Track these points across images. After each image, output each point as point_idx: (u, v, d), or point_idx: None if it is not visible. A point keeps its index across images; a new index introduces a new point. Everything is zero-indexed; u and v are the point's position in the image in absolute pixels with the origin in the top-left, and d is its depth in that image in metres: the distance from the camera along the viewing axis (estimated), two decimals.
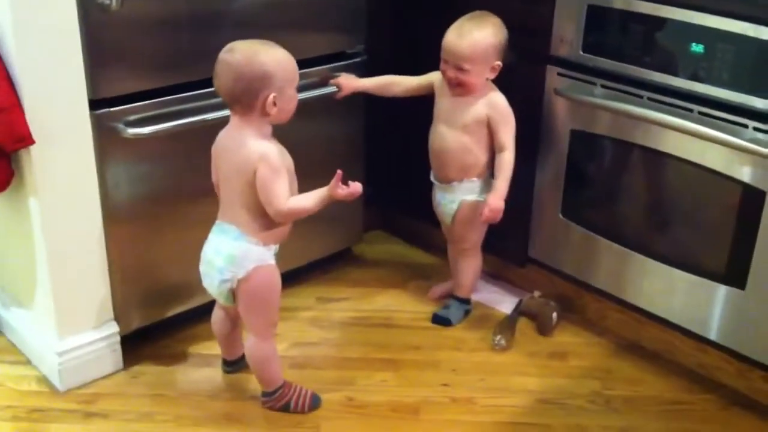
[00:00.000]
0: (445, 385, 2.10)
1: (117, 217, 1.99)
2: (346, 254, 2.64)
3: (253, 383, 2.03)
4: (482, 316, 2.38)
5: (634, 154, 2.10)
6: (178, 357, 2.17)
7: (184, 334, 2.23)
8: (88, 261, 1.98)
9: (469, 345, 2.26)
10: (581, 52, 2.10)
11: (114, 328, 2.07)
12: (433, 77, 2.21)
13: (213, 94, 1.87)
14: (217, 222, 1.87)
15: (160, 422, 1.95)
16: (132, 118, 1.92)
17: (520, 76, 2.19)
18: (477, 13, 2.11)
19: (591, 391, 2.09)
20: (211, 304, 2.01)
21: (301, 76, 1.83)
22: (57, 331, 1.99)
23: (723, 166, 1.92)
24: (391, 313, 2.39)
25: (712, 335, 2.05)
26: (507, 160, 2.12)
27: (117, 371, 2.10)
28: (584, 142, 2.18)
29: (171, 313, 2.18)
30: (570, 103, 2.15)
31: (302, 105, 1.86)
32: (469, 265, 2.33)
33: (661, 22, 1.95)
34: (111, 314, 2.07)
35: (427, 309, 2.39)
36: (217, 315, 2.02)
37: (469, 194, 2.20)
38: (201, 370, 2.13)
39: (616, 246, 2.18)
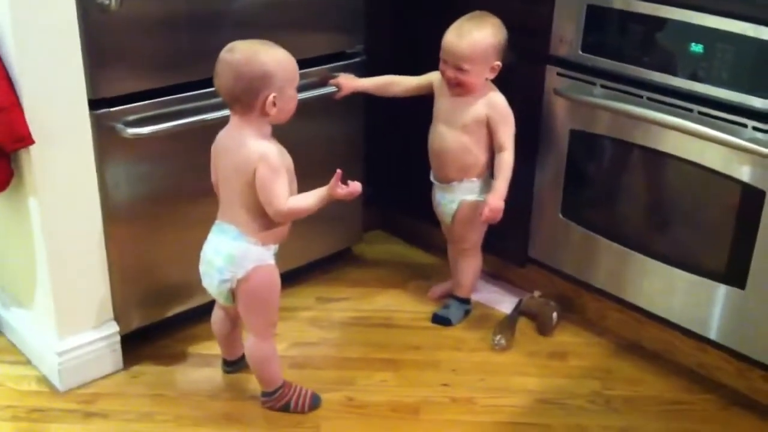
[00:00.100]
0: (445, 385, 2.10)
1: (117, 217, 1.99)
2: (346, 254, 2.64)
3: (253, 383, 2.03)
4: (482, 316, 2.38)
5: (633, 153, 2.10)
6: (178, 357, 2.17)
7: (184, 334, 2.23)
8: (87, 261, 1.98)
9: (469, 345, 2.26)
10: (581, 52, 2.10)
11: (114, 328, 2.07)
12: (433, 77, 2.21)
13: (212, 94, 1.87)
14: (217, 222, 1.87)
15: (160, 422, 1.95)
16: (132, 118, 1.92)
17: (520, 76, 2.19)
18: (476, 13, 2.11)
19: (591, 391, 2.09)
20: (211, 304, 2.01)
21: (301, 76, 1.83)
22: (57, 331, 1.99)
23: (722, 165, 1.92)
24: (391, 313, 2.39)
25: (712, 335, 2.05)
26: (506, 160, 2.12)
27: (117, 371, 2.10)
28: (584, 142, 2.18)
29: (171, 313, 2.18)
30: (569, 103, 2.15)
31: (302, 105, 1.86)
32: (469, 265, 2.33)
33: (660, 22, 1.95)
34: (111, 314, 2.07)
35: (427, 309, 2.39)
36: (216, 315, 2.02)
37: (469, 194, 2.20)
38: (201, 370, 2.13)
39: (615, 246, 2.18)
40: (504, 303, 2.43)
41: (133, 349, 2.14)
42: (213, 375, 2.11)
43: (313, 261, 2.49)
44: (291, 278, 2.32)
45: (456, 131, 2.15)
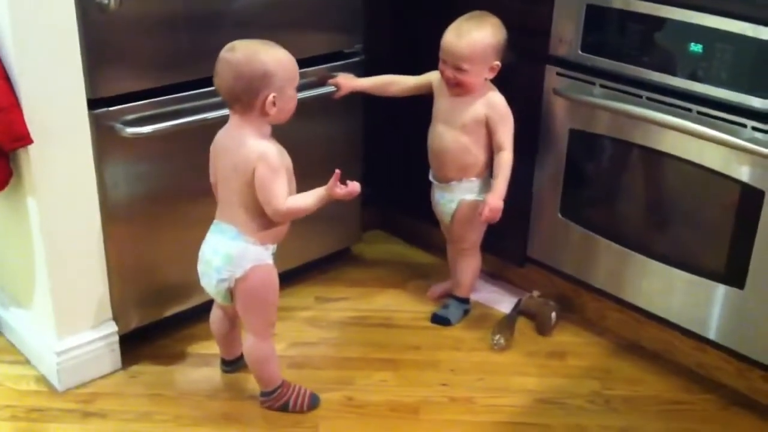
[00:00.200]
0: (444, 384, 2.10)
1: (116, 217, 1.99)
2: (345, 254, 2.64)
3: (251, 383, 2.03)
4: (481, 315, 2.38)
5: (633, 153, 2.10)
6: (177, 357, 2.17)
7: (183, 334, 2.23)
8: (86, 261, 1.98)
9: (468, 345, 2.26)
10: (580, 52, 2.10)
11: (112, 327, 2.07)
12: (432, 77, 2.21)
13: (212, 94, 1.87)
14: (215, 221, 1.87)
15: (159, 422, 1.95)
16: (131, 117, 1.92)
17: (519, 75, 2.19)
18: (476, 13, 2.11)
19: (590, 391, 2.09)
20: (210, 303, 2.01)
21: (300, 76, 1.83)
22: (56, 330, 1.99)
23: (722, 165, 1.92)
24: (391, 313, 2.39)
25: (712, 335, 2.05)
26: (506, 159, 2.12)
27: (115, 371, 2.10)
28: (583, 142, 2.18)
29: (169, 312, 2.18)
30: (569, 102, 2.15)
31: (301, 104, 1.85)
32: (469, 265, 2.33)
33: (660, 21, 1.95)
34: (109, 314, 2.06)
35: (427, 309, 2.39)
36: (215, 314, 2.02)
37: (469, 194, 2.20)
38: (199, 370, 2.13)
39: (615, 246, 2.18)
40: (503, 303, 2.43)
41: (132, 349, 2.14)
42: (212, 375, 2.11)
43: (312, 261, 2.49)
44: (290, 278, 2.31)
45: (455, 131, 2.15)
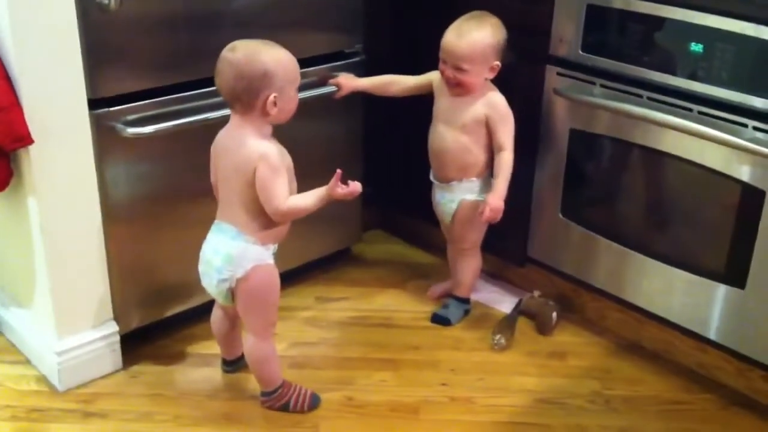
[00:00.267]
0: (444, 384, 2.10)
1: (116, 217, 1.99)
2: (346, 254, 2.64)
3: (252, 383, 2.03)
4: (481, 315, 2.38)
5: (633, 153, 2.10)
6: (178, 357, 2.17)
7: (184, 334, 2.23)
8: (87, 261, 1.98)
9: (468, 345, 2.26)
10: (580, 52, 2.10)
11: (113, 327, 2.07)
12: (432, 77, 2.21)
13: (212, 94, 1.87)
14: (216, 221, 1.87)
15: (159, 422, 1.95)
16: (131, 117, 1.92)
17: (520, 75, 2.19)
18: (476, 13, 2.11)
19: (590, 391, 2.09)
20: (210, 303, 2.01)
21: (301, 76, 1.83)
22: (56, 330, 1.99)
23: (722, 165, 1.92)
24: (391, 313, 2.39)
25: (712, 335, 2.05)
26: (506, 159, 2.12)
27: (116, 371, 2.10)
28: (584, 142, 2.18)
29: (170, 312, 2.18)
30: (569, 102, 2.15)
31: (301, 104, 1.85)
32: (469, 265, 2.33)
33: (660, 21, 1.95)
34: (110, 314, 2.06)
35: (427, 308, 2.39)
36: (216, 314, 2.02)
37: (469, 194, 2.20)
38: (200, 370, 2.13)
39: (615, 245, 2.18)
40: (503, 303, 2.43)
41: (133, 349, 2.14)
42: (212, 375, 2.11)
43: (313, 260, 2.49)
44: (290, 278, 2.31)
45: (455, 131, 2.15)
